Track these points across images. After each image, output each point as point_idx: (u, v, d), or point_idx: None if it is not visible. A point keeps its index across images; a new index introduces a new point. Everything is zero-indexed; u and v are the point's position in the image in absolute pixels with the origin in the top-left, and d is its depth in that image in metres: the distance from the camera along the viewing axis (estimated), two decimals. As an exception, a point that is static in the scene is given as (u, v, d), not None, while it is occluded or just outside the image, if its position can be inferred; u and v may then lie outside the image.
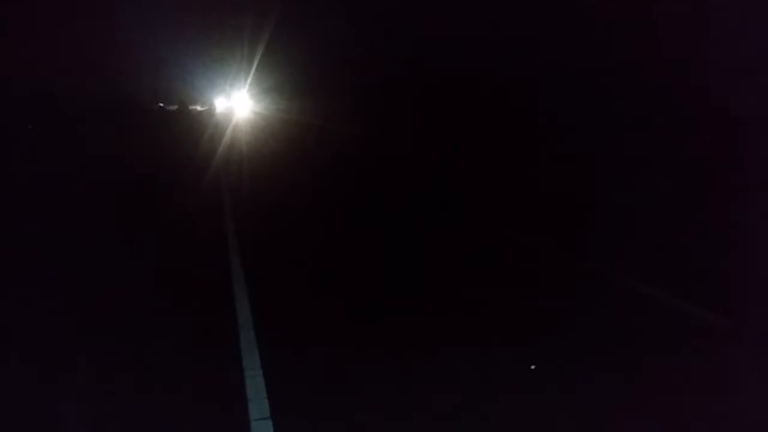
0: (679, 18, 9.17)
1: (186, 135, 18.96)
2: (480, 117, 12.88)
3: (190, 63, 22.79)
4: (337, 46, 19.61)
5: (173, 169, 11.69)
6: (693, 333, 3.59)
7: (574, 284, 4.55)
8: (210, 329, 3.59)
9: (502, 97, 12.59)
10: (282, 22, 20.72)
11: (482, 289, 4.37)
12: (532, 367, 3.23)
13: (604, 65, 10.28)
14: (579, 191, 7.93)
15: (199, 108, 24.43)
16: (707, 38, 8.55)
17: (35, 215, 7.18)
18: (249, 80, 22.81)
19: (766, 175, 6.58)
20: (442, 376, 3.02)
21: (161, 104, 24.04)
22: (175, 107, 24.62)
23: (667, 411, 2.70)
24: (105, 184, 9.75)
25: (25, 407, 2.72)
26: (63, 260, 5.18)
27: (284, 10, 20.56)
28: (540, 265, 5.06)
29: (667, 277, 4.57)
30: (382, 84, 17.54)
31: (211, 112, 24.01)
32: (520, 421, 2.62)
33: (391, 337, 3.50)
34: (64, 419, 2.64)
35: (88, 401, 2.76)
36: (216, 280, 4.58)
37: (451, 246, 5.72)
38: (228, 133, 19.76)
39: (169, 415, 2.65)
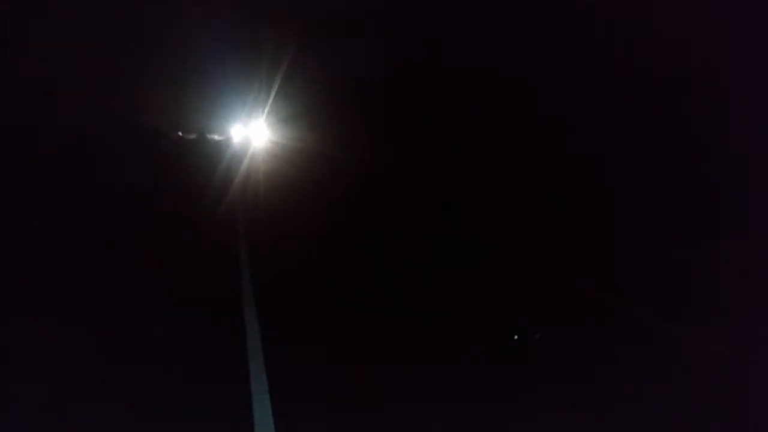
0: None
1: (204, 163, 19.41)
2: (509, 146, 12.84)
3: (209, 93, 23.36)
4: (357, 75, 19.87)
5: (191, 196, 11.97)
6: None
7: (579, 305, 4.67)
8: (219, 353, 3.78)
9: (534, 129, 12.59)
10: (301, 52, 21.14)
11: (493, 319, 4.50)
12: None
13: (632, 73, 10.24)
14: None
15: (216, 137, 24.95)
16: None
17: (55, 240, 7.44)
18: (267, 109, 23.24)
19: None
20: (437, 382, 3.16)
21: (180, 133, 24.63)
22: (194, 136, 25.19)
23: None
24: (125, 210, 10.04)
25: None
26: (75, 286, 5.37)
27: (303, 39, 21.00)
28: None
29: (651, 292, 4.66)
30: (405, 114, 17.61)
31: (228, 140, 24.51)
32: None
33: (400, 369, 3.65)
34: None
35: (97, 410, 2.95)
36: (228, 306, 4.76)
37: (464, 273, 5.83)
38: (245, 162, 20.17)
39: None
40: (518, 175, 11.69)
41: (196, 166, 18.72)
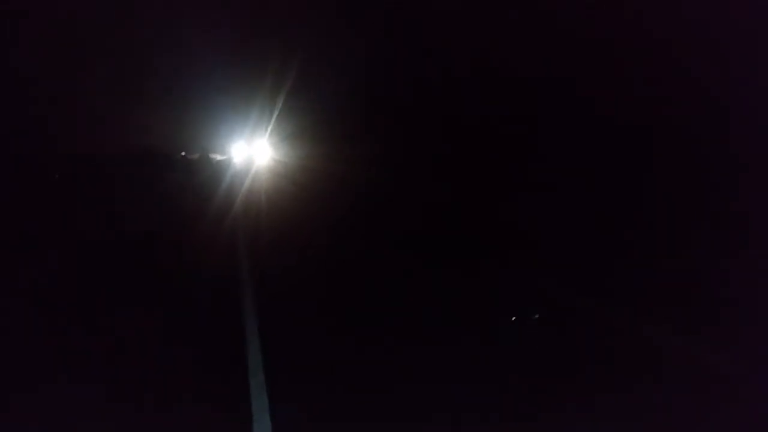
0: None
1: (207, 184, 19.57)
2: (529, 158, 12.56)
3: (211, 111, 23.59)
4: (363, 89, 19.80)
5: (192, 221, 11.89)
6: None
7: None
8: (221, 374, 3.79)
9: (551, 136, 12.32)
10: (305, 68, 21.22)
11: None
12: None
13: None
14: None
15: (219, 156, 25.14)
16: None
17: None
18: (270, 127, 23.40)
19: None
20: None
21: (183, 153, 24.84)
22: (196, 156, 25.38)
23: None
24: (124, 232, 10.08)
25: None
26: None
27: (307, 54, 21.07)
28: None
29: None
30: (414, 128, 17.39)
31: (231, 159, 24.68)
32: None
33: (401, 380, 3.66)
34: None
35: None
36: (230, 327, 4.75)
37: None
38: (248, 182, 20.31)
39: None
40: (533, 186, 11.55)
41: (199, 188, 18.86)
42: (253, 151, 24.01)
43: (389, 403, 3.40)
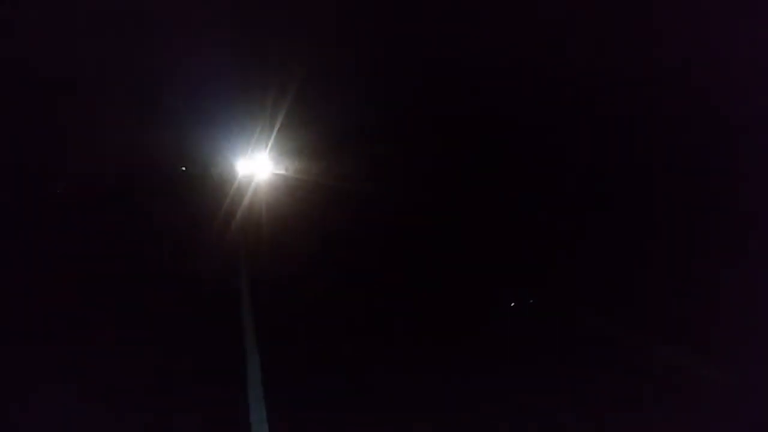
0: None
1: (208, 198, 19.78)
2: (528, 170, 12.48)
3: (212, 125, 23.83)
4: (367, 103, 19.84)
5: (193, 235, 12.02)
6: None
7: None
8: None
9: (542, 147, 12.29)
10: (307, 81, 21.34)
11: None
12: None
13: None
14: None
15: (220, 171, 25.39)
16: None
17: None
18: (271, 141, 23.57)
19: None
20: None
21: (184, 168, 25.10)
22: (198, 171, 25.64)
23: None
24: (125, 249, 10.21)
25: None
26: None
27: (310, 68, 21.19)
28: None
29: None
30: (417, 142, 17.34)
31: (232, 174, 24.92)
32: None
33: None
34: None
35: None
36: (231, 349, 4.87)
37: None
38: (249, 196, 20.52)
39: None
40: (535, 193, 11.55)
41: (200, 202, 19.08)
42: (254, 165, 24.22)
43: (387, 408, 3.60)
